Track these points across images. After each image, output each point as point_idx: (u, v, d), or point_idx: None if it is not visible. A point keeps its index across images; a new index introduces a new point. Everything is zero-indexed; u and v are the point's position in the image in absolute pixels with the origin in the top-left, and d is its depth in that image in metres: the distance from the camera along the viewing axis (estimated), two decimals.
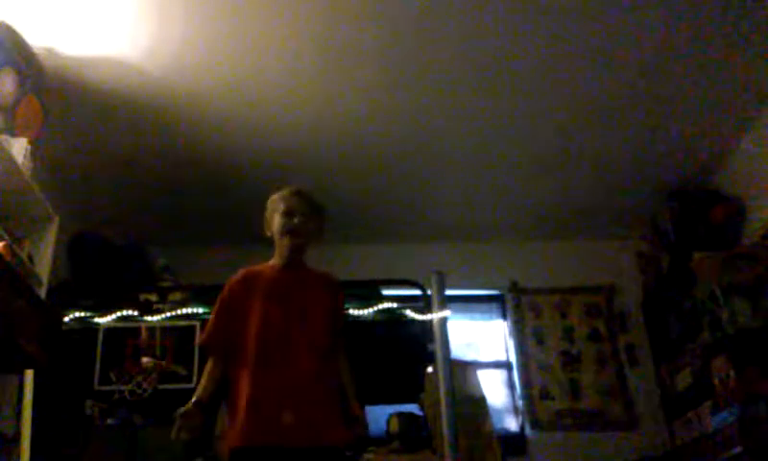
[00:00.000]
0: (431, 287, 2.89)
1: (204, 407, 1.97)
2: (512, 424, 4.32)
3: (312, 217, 2.21)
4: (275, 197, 2.25)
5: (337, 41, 3.08)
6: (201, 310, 3.46)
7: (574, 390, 4.34)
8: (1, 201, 2.67)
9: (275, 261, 2.20)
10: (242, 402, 1.92)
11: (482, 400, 3.39)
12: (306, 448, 1.89)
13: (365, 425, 2.13)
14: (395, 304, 3.40)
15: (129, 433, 3.09)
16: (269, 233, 2.23)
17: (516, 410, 4.35)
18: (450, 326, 2.82)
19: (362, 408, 2.13)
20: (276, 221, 2.19)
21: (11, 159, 2.57)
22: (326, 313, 2.13)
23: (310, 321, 2.07)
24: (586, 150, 3.89)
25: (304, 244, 2.19)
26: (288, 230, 2.15)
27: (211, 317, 2.14)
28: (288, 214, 2.16)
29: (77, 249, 3.76)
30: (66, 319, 3.31)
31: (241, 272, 2.19)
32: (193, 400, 1.97)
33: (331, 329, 2.12)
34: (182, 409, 1.92)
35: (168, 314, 3.43)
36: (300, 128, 3.63)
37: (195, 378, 3.25)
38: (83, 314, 3.39)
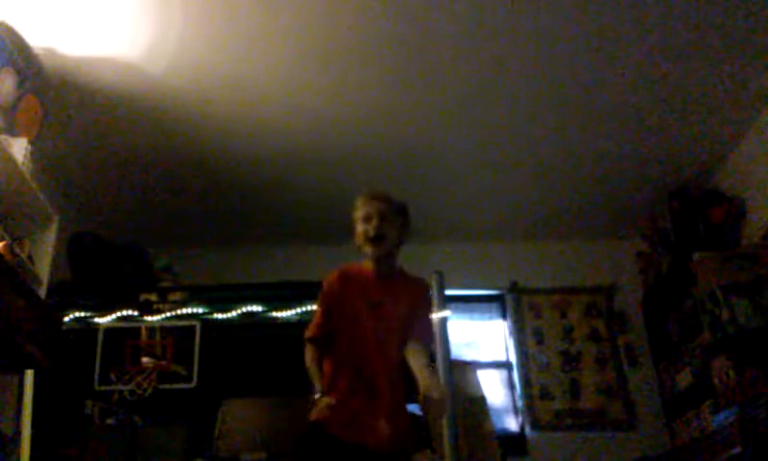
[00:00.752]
0: (431, 287, 2.89)
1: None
2: (512, 424, 4.32)
3: (391, 219, 2.13)
4: (355, 205, 2.19)
5: (337, 41, 3.08)
6: (201, 310, 3.46)
7: (574, 390, 4.34)
8: (1, 201, 2.66)
9: (368, 265, 2.16)
10: (336, 394, 1.97)
11: (482, 400, 3.39)
12: (377, 452, 1.93)
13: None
14: None
15: (129, 433, 3.09)
16: (357, 243, 2.17)
17: (515, 410, 4.35)
18: (450, 326, 2.82)
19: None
20: (357, 229, 2.15)
21: (11, 159, 2.56)
22: (410, 316, 2.11)
23: (395, 327, 2.07)
24: (586, 150, 3.89)
25: (388, 250, 2.13)
26: (367, 239, 2.10)
27: (317, 311, 2.16)
28: (366, 219, 2.12)
29: (77, 249, 3.76)
30: (66, 319, 3.32)
31: (338, 272, 2.17)
32: (318, 395, 2.01)
33: (412, 331, 2.10)
34: (321, 405, 1.96)
35: (168, 314, 3.43)
36: (299, 128, 3.63)
37: (195, 378, 3.25)
38: (83, 314, 3.40)
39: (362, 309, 2.07)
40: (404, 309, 2.11)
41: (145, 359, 3.27)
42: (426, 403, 1.91)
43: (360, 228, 2.12)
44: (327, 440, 1.91)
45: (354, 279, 2.15)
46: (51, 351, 2.42)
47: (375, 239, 2.09)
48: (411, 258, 4.67)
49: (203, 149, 3.74)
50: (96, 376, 3.25)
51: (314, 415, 1.95)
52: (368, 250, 2.11)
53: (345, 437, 1.92)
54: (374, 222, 2.09)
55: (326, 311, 2.12)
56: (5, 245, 2.43)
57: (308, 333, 2.13)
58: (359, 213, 2.14)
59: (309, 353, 2.10)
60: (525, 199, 4.36)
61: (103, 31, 2.92)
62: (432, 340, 2.34)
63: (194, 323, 3.40)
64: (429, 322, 2.26)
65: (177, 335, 3.36)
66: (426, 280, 2.26)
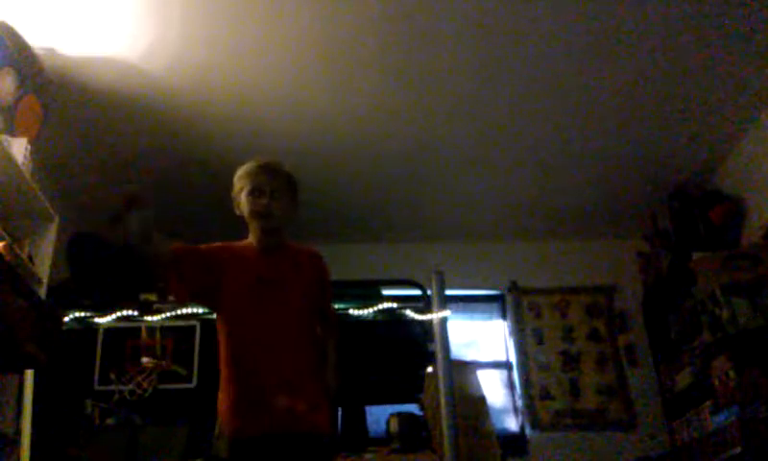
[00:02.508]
0: (431, 287, 2.89)
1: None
2: (512, 424, 4.32)
3: (283, 193, 2.00)
4: (241, 173, 2.01)
5: (337, 41, 3.08)
6: (201, 310, 3.46)
7: (574, 390, 4.34)
8: (1, 201, 2.66)
9: (251, 242, 2.03)
10: (229, 391, 1.91)
11: (482, 400, 3.38)
12: (294, 434, 1.86)
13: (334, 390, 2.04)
14: (395, 304, 3.39)
15: (129, 433, 3.09)
16: (238, 213, 2.03)
17: (515, 410, 4.35)
18: (450, 326, 2.82)
19: (336, 379, 2.04)
20: (242, 201, 1.99)
21: (11, 159, 2.56)
22: (309, 291, 2.01)
23: (296, 303, 1.96)
24: (586, 150, 3.89)
25: (277, 224, 2.00)
26: (257, 213, 1.96)
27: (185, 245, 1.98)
28: (255, 193, 1.96)
29: (77, 249, 3.76)
30: (66, 319, 3.31)
31: (222, 243, 2.03)
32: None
33: (314, 307, 2.03)
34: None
35: (168, 314, 3.43)
36: (300, 128, 3.63)
37: (195, 378, 3.25)
38: (83, 314, 3.39)
39: (253, 289, 1.94)
40: (302, 285, 1.99)
41: (145, 359, 3.27)
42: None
43: (246, 200, 1.97)
44: (249, 444, 1.84)
45: (238, 253, 2.00)
46: (51, 352, 2.42)
47: (264, 214, 1.96)
48: (411, 258, 4.69)
49: (203, 149, 3.74)
50: (96, 376, 3.25)
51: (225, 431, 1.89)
52: (255, 224, 1.98)
53: (256, 431, 1.84)
54: (264, 200, 1.96)
55: (204, 263, 1.94)
56: (5, 245, 2.43)
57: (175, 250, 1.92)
58: (247, 184, 1.98)
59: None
60: (525, 199, 4.36)
61: (103, 31, 2.92)
62: (336, 322, 2.22)
63: (194, 323, 3.40)
64: (329, 296, 2.17)
65: (177, 335, 3.36)
66: (317, 250, 2.13)
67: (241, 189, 2.01)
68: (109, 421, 3.18)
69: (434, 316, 2.81)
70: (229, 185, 3.94)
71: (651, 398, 4.27)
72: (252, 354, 1.92)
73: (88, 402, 3.17)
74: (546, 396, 4.34)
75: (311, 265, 2.09)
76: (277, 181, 2.00)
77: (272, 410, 1.85)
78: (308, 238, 4.67)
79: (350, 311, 3.34)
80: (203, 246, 2.02)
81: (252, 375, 1.90)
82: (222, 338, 1.97)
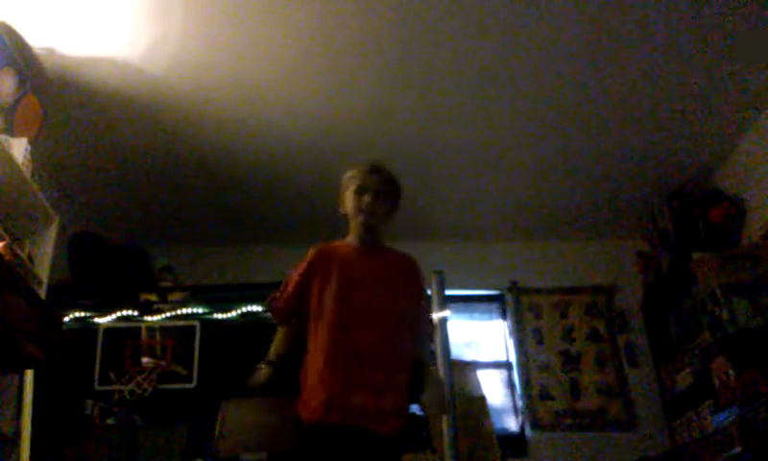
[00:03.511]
0: (431, 287, 2.89)
1: (274, 366, 2.02)
2: (512, 424, 4.31)
3: (386, 196, 2.11)
4: (349, 173, 2.14)
5: (337, 41, 3.08)
6: (201, 310, 3.46)
7: (574, 390, 4.34)
8: (1, 201, 2.66)
9: (350, 240, 2.13)
10: (315, 380, 1.92)
11: (482, 400, 3.38)
12: (374, 434, 1.88)
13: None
14: None
15: (129, 433, 3.09)
16: (342, 211, 2.14)
17: (515, 410, 4.34)
18: (450, 326, 2.81)
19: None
20: (348, 199, 2.11)
21: (11, 159, 2.56)
22: (401, 294, 2.08)
23: (386, 303, 2.02)
24: (585, 150, 3.89)
25: (377, 223, 2.11)
26: (359, 210, 2.06)
27: (287, 286, 2.11)
28: (360, 192, 2.08)
29: (77, 249, 3.76)
30: (66, 319, 3.31)
31: (317, 247, 2.12)
32: (267, 359, 2.02)
33: (406, 310, 2.07)
34: (260, 376, 2.00)
35: (168, 314, 3.43)
36: (300, 128, 3.63)
37: (195, 378, 3.26)
38: (83, 314, 3.39)
39: (346, 286, 2.02)
40: (396, 288, 2.06)
41: (145, 359, 3.27)
42: (428, 401, 1.92)
43: (351, 198, 2.08)
44: (326, 432, 1.86)
45: (335, 254, 2.10)
46: (51, 352, 2.42)
47: (367, 211, 2.06)
48: None
49: (203, 149, 3.74)
50: (96, 376, 3.25)
51: (301, 415, 1.92)
52: (358, 220, 2.08)
53: (344, 421, 1.87)
54: (368, 198, 2.06)
55: (299, 288, 2.06)
56: (5, 245, 2.43)
57: (279, 309, 2.09)
58: (354, 183, 2.09)
59: (283, 333, 2.08)
60: (525, 199, 4.36)
61: (103, 31, 2.92)
62: (431, 331, 2.28)
63: (194, 323, 3.40)
64: (429, 308, 2.22)
65: (177, 335, 3.36)
66: (412, 257, 2.21)
67: (347, 188, 2.12)
68: (109, 421, 3.18)
69: (434, 316, 2.81)
70: (229, 184, 3.95)
71: (651, 398, 4.26)
72: (342, 350, 1.95)
73: (88, 402, 3.17)
74: (546, 396, 4.33)
75: (405, 270, 2.16)
76: (384, 185, 2.11)
77: (356, 405, 1.88)
78: (309, 238, 4.68)
79: None
80: (302, 270, 2.10)
81: (341, 369, 1.93)
82: (313, 332, 2.00)
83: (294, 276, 2.12)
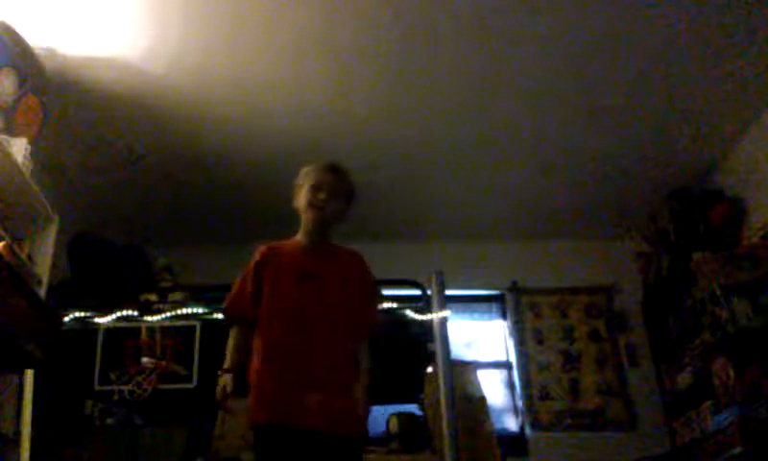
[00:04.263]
0: (431, 287, 2.89)
1: (234, 375, 1.98)
2: (512, 424, 4.32)
3: (340, 196, 2.11)
4: (306, 169, 2.16)
5: (337, 41, 3.08)
6: (201, 310, 3.45)
7: (574, 390, 4.34)
8: (1, 201, 2.66)
9: (299, 237, 2.13)
10: (264, 380, 1.91)
11: (482, 400, 3.38)
12: (325, 434, 1.85)
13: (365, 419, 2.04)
14: (395, 304, 3.39)
15: (129, 433, 3.09)
16: (296, 206, 2.15)
17: (515, 410, 4.35)
18: (450, 326, 2.82)
19: (367, 406, 2.04)
20: (302, 194, 2.11)
21: (11, 159, 2.56)
22: (352, 293, 2.06)
23: (334, 300, 2.01)
24: (586, 149, 3.89)
25: (328, 220, 2.10)
26: (311, 205, 2.07)
27: (235, 285, 2.10)
28: (315, 188, 2.08)
29: (77, 249, 3.76)
30: (66, 319, 3.31)
31: (265, 245, 2.13)
32: (224, 368, 1.99)
33: (357, 310, 2.06)
34: (218, 389, 1.97)
35: (168, 314, 3.43)
36: (299, 128, 3.63)
37: (195, 378, 3.25)
38: (83, 314, 3.39)
39: (293, 282, 2.01)
40: (345, 284, 2.05)
41: (145, 359, 3.27)
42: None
43: (306, 194, 2.09)
44: (276, 433, 1.83)
45: (282, 250, 2.10)
46: (51, 352, 2.42)
47: (320, 207, 2.06)
48: (411, 258, 4.69)
49: (202, 149, 3.74)
50: (96, 377, 3.24)
51: (249, 419, 1.91)
52: (308, 215, 2.08)
53: (287, 422, 1.84)
54: (322, 195, 2.07)
55: (248, 285, 2.05)
56: (5, 245, 2.42)
57: (228, 307, 2.09)
58: (309, 180, 2.10)
59: (237, 333, 2.05)
60: (525, 198, 4.36)
61: (103, 31, 2.92)
62: (378, 327, 2.24)
63: (194, 323, 3.40)
64: (376, 307, 2.22)
65: (177, 335, 3.36)
66: (359, 252, 2.20)
67: (303, 183, 2.13)
68: (109, 421, 3.18)
69: (434, 316, 2.81)
70: (229, 184, 3.94)
71: (651, 398, 4.27)
72: (288, 347, 1.94)
73: (88, 402, 3.17)
74: (546, 396, 4.33)
75: (352, 264, 2.15)
76: (339, 184, 2.11)
77: (304, 405, 1.85)
78: None
79: None
80: (249, 267, 2.10)
81: (288, 367, 1.91)
82: (259, 330, 2.00)
83: (243, 275, 2.12)
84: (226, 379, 1.99)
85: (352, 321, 2.04)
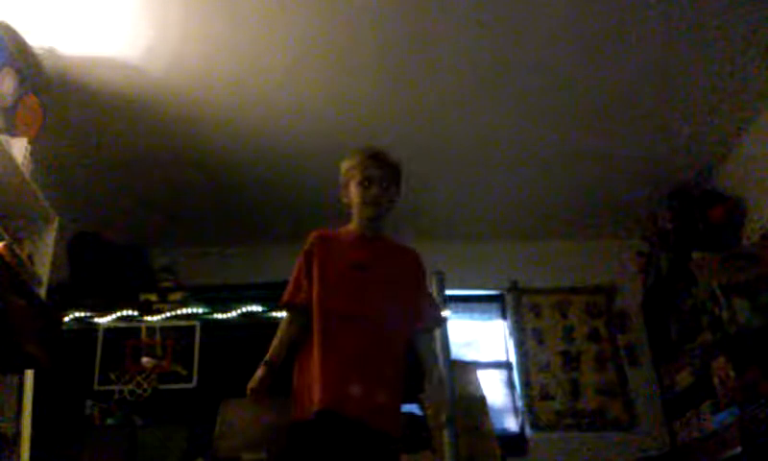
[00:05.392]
0: (431, 287, 2.89)
1: (274, 370, 1.93)
2: (512, 424, 4.31)
3: (390, 183, 2.07)
4: (350, 163, 2.09)
5: (337, 41, 3.08)
6: (201, 310, 3.46)
7: (574, 390, 4.34)
8: (1, 201, 2.66)
9: (353, 228, 2.08)
10: (313, 369, 1.86)
11: (482, 400, 3.38)
12: (366, 427, 1.82)
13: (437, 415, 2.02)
14: None
15: (129, 433, 3.09)
16: (345, 201, 2.10)
17: (515, 410, 4.34)
18: (450, 326, 2.82)
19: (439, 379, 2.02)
20: (352, 191, 2.06)
21: (11, 159, 2.56)
22: (403, 288, 2.03)
23: (385, 294, 1.98)
24: (586, 150, 3.89)
25: (384, 213, 2.08)
26: (367, 202, 2.02)
27: (293, 274, 2.05)
28: (365, 183, 2.03)
29: (77, 249, 3.76)
30: (66, 319, 3.31)
31: (318, 232, 2.08)
32: (264, 360, 1.93)
33: (407, 306, 2.03)
34: (255, 377, 1.89)
35: (168, 314, 3.43)
36: (300, 128, 3.63)
37: (195, 378, 3.25)
38: (83, 314, 3.39)
39: (345, 272, 1.97)
40: (398, 278, 2.02)
41: (145, 359, 3.27)
42: (429, 405, 1.89)
43: (356, 190, 2.04)
44: (325, 423, 1.79)
45: (334, 240, 2.06)
46: (51, 352, 2.42)
47: (376, 203, 2.03)
48: None
49: (203, 148, 3.74)
50: (96, 376, 3.25)
51: (294, 413, 1.87)
52: (365, 212, 2.04)
53: (344, 413, 1.81)
54: (374, 190, 2.02)
55: (306, 274, 2.00)
56: (5, 245, 2.42)
57: (289, 298, 2.00)
58: (357, 174, 2.05)
59: (289, 325, 1.98)
60: (525, 198, 4.36)
61: (103, 31, 2.92)
62: (440, 320, 2.24)
63: (194, 323, 3.40)
64: (433, 300, 2.18)
65: (177, 335, 3.36)
66: (416, 250, 2.18)
67: (350, 179, 2.07)
68: (109, 421, 3.18)
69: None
70: (229, 184, 3.94)
71: (651, 398, 4.26)
72: (338, 337, 1.89)
73: (88, 402, 3.17)
74: (546, 396, 4.33)
75: (406, 259, 2.12)
76: (386, 171, 2.06)
77: (351, 395, 1.82)
78: None
79: None
80: (305, 255, 2.05)
81: (341, 356, 1.87)
82: (313, 322, 1.95)
83: (296, 265, 2.07)
84: (265, 370, 1.92)
85: (401, 316, 2.01)
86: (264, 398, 1.91)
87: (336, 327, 1.91)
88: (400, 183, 2.14)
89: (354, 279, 1.97)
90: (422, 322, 2.09)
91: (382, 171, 2.05)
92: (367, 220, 2.06)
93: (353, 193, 2.06)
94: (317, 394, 1.82)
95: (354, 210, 2.08)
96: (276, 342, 1.98)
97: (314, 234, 2.09)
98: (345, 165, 2.11)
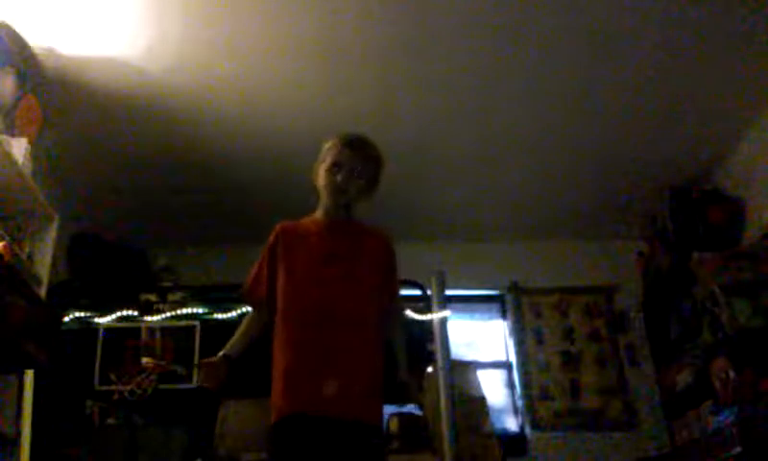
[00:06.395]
0: (431, 287, 2.89)
1: (231, 362, 1.87)
2: (512, 424, 4.32)
3: (361, 175, 1.97)
4: (328, 143, 2.02)
5: (337, 41, 3.08)
6: (201, 310, 3.46)
7: (574, 390, 4.34)
8: (1, 201, 2.66)
9: (319, 216, 2.02)
10: (281, 368, 1.82)
11: (482, 400, 3.38)
12: (345, 421, 1.77)
13: (416, 389, 1.99)
14: None
15: (129, 433, 3.09)
16: (314, 183, 2.03)
17: (515, 410, 4.35)
18: (450, 326, 2.81)
19: (416, 372, 1.98)
20: (320, 173, 1.99)
21: (11, 159, 2.56)
22: (374, 274, 1.96)
23: (356, 282, 1.91)
24: (586, 150, 3.89)
25: (348, 201, 1.98)
26: (332, 188, 1.95)
27: (254, 267, 1.99)
28: (334, 169, 1.96)
29: (77, 249, 3.76)
30: (66, 319, 3.32)
31: (281, 225, 2.02)
32: (221, 353, 1.87)
33: (380, 292, 1.96)
34: (207, 359, 1.83)
35: (168, 314, 3.43)
36: (300, 128, 3.62)
37: (195, 378, 3.25)
38: (83, 314, 3.40)
39: (317, 264, 1.90)
40: (371, 266, 1.95)
41: (145, 359, 3.27)
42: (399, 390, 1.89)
43: (324, 174, 1.97)
44: (297, 422, 1.75)
45: (300, 231, 1.99)
46: (51, 352, 2.42)
47: (339, 189, 1.95)
48: (411, 258, 4.66)
49: (203, 149, 3.74)
50: (96, 377, 3.25)
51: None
52: (326, 196, 1.97)
53: (306, 409, 1.76)
54: (341, 177, 1.94)
55: (267, 266, 1.94)
56: (5, 245, 2.42)
57: (247, 291, 1.96)
58: (330, 157, 1.97)
59: (250, 319, 1.95)
60: (525, 198, 4.35)
61: (103, 31, 2.92)
62: (401, 306, 2.21)
63: (194, 323, 3.40)
64: (396, 284, 2.11)
65: (177, 335, 3.36)
66: (387, 233, 2.10)
67: (323, 160, 2.00)
68: (109, 421, 3.18)
69: (434, 316, 2.80)
70: (229, 184, 3.94)
71: (651, 398, 4.27)
72: (310, 331, 1.84)
73: (88, 402, 3.17)
74: (546, 396, 4.33)
75: (377, 247, 2.04)
76: (359, 161, 1.97)
77: (324, 390, 1.76)
78: None
79: None
80: (268, 247, 2.00)
81: (309, 352, 1.82)
82: (279, 316, 1.90)
83: (259, 258, 2.02)
84: (219, 359, 1.86)
85: (378, 305, 1.95)
86: (216, 385, 1.86)
87: (305, 323, 1.85)
88: (377, 176, 2.05)
89: (326, 269, 1.90)
90: (392, 312, 2.05)
91: (355, 159, 1.97)
92: (332, 207, 1.98)
93: (321, 176, 1.99)
94: (283, 396, 1.79)
95: (321, 195, 2.01)
96: (235, 336, 1.95)
97: (278, 227, 2.03)
98: (324, 145, 2.04)
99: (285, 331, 1.87)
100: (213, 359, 1.86)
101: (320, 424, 1.75)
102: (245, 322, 1.99)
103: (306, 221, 2.04)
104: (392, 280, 2.07)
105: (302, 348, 1.83)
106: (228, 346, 1.92)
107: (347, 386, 1.78)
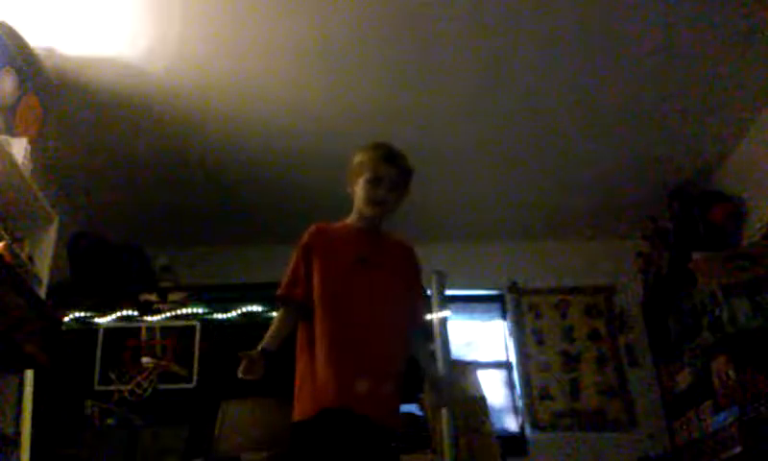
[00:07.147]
0: (431, 287, 2.89)
1: (267, 355, 1.88)
2: (512, 424, 4.32)
3: (399, 186, 2.05)
4: (362, 157, 2.05)
5: (337, 42, 3.08)
6: (201, 310, 3.46)
7: (574, 390, 4.34)
8: (1, 201, 2.66)
9: (351, 222, 2.07)
10: (322, 362, 1.84)
11: (482, 400, 3.38)
12: (378, 425, 1.83)
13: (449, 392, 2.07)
14: None
15: (129, 433, 3.09)
16: (349, 191, 2.08)
17: (515, 410, 4.35)
18: (450, 326, 2.82)
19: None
20: (360, 186, 2.02)
21: (11, 159, 2.56)
22: (403, 281, 2.04)
23: (387, 288, 1.97)
24: (586, 150, 3.89)
25: (387, 214, 2.06)
26: (372, 202, 2.00)
27: (288, 267, 2.02)
28: (375, 182, 2.00)
29: (77, 249, 3.76)
30: (66, 319, 3.31)
31: (316, 226, 2.06)
32: (259, 347, 1.88)
33: (408, 300, 2.03)
34: (247, 352, 1.84)
35: (168, 314, 3.43)
36: (300, 127, 3.63)
37: (195, 378, 3.26)
38: (83, 314, 3.39)
39: (347, 267, 1.96)
40: (398, 273, 2.02)
41: (145, 359, 3.27)
42: (432, 394, 1.89)
43: (366, 187, 2.00)
44: (334, 418, 1.78)
45: (334, 234, 2.04)
46: (51, 352, 2.42)
47: (382, 204, 2.02)
48: None
49: (203, 149, 3.74)
50: (96, 377, 3.25)
51: (296, 413, 1.85)
52: (369, 211, 2.02)
53: (355, 409, 1.80)
54: (382, 191, 2.00)
55: (303, 267, 1.97)
56: (5, 245, 2.43)
57: (285, 292, 1.97)
58: (368, 171, 2.01)
59: (284, 319, 1.95)
60: (525, 199, 4.36)
61: (103, 31, 2.92)
62: (428, 323, 2.26)
63: (194, 323, 3.40)
64: (426, 300, 2.20)
65: (177, 335, 3.36)
66: (411, 243, 2.18)
67: (360, 173, 2.03)
68: (109, 421, 3.18)
69: (434, 316, 2.81)
70: (229, 184, 3.94)
71: (651, 398, 4.27)
72: (342, 332, 1.88)
73: (88, 402, 3.17)
74: (546, 396, 4.33)
75: (404, 255, 2.12)
76: (397, 173, 2.04)
77: (359, 393, 1.81)
78: None
79: None
80: (303, 247, 2.02)
81: (350, 352, 1.86)
82: (318, 314, 1.92)
83: (293, 258, 2.04)
84: (258, 353, 1.86)
85: (403, 310, 2.01)
86: (257, 377, 1.86)
87: (343, 323, 1.89)
88: (408, 186, 2.13)
89: (358, 274, 1.96)
90: (418, 321, 2.11)
91: (393, 173, 2.03)
92: (369, 218, 2.04)
93: (360, 188, 2.03)
94: (328, 392, 1.81)
95: (357, 206, 2.06)
96: (270, 332, 1.95)
97: (312, 228, 2.07)
98: (357, 158, 2.07)
99: (323, 331, 1.89)
100: (252, 353, 1.87)
101: (360, 422, 1.80)
102: (277, 320, 2.00)
103: (340, 225, 2.10)
104: (418, 288, 2.15)
105: (343, 348, 1.87)
106: (264, 340, 1.94)
107: (380, 388, 1.85)
